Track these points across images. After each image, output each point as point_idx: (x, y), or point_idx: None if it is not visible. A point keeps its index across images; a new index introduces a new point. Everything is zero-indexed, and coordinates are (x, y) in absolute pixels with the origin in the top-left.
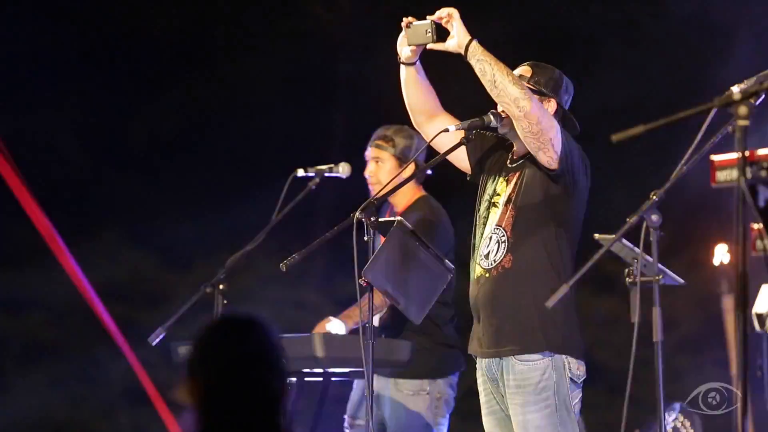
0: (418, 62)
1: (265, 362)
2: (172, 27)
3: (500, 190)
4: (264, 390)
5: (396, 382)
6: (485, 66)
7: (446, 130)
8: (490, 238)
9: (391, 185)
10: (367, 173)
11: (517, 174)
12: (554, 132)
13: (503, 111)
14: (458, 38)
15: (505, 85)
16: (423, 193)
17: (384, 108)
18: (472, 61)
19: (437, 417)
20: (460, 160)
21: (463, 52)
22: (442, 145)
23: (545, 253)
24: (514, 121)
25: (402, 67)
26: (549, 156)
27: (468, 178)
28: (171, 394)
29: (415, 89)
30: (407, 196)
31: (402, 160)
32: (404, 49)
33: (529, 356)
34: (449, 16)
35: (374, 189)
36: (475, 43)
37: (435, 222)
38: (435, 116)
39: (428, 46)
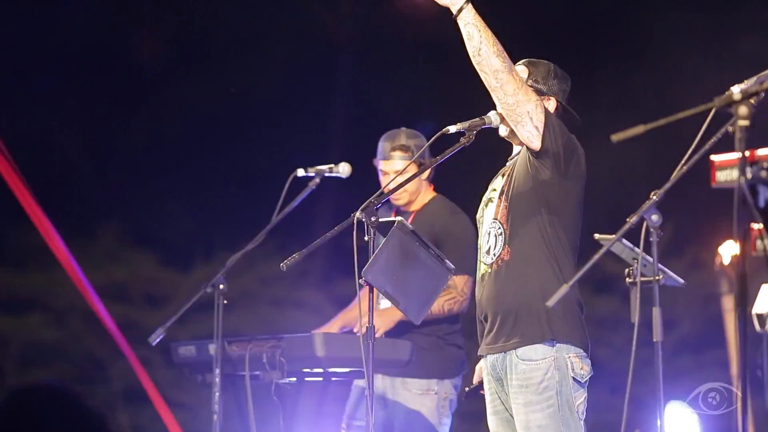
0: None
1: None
2: (173, 26)
3: (497, 185)
4: None
5: (404, 381)
6: (473, 31)
7: (447, 131)
8: (489, 233)
9: (394, 184)
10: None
11: (510, 167)
12: (532, 106)
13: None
14: None
15: (489, 55)
16: (434, 193)
17: (384, 108)
18: (461, 23)
19: (442, 417)
20: None
21: (454, 12)
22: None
23: (542, 242)
24: (491, 92)
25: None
26: (528, 131)
27: None
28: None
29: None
30: (420, 196)
31: (421, 162)
32: None
33: (533, 353)
34: None
35: (402, 198)
36: (469, 6)
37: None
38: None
39: None
